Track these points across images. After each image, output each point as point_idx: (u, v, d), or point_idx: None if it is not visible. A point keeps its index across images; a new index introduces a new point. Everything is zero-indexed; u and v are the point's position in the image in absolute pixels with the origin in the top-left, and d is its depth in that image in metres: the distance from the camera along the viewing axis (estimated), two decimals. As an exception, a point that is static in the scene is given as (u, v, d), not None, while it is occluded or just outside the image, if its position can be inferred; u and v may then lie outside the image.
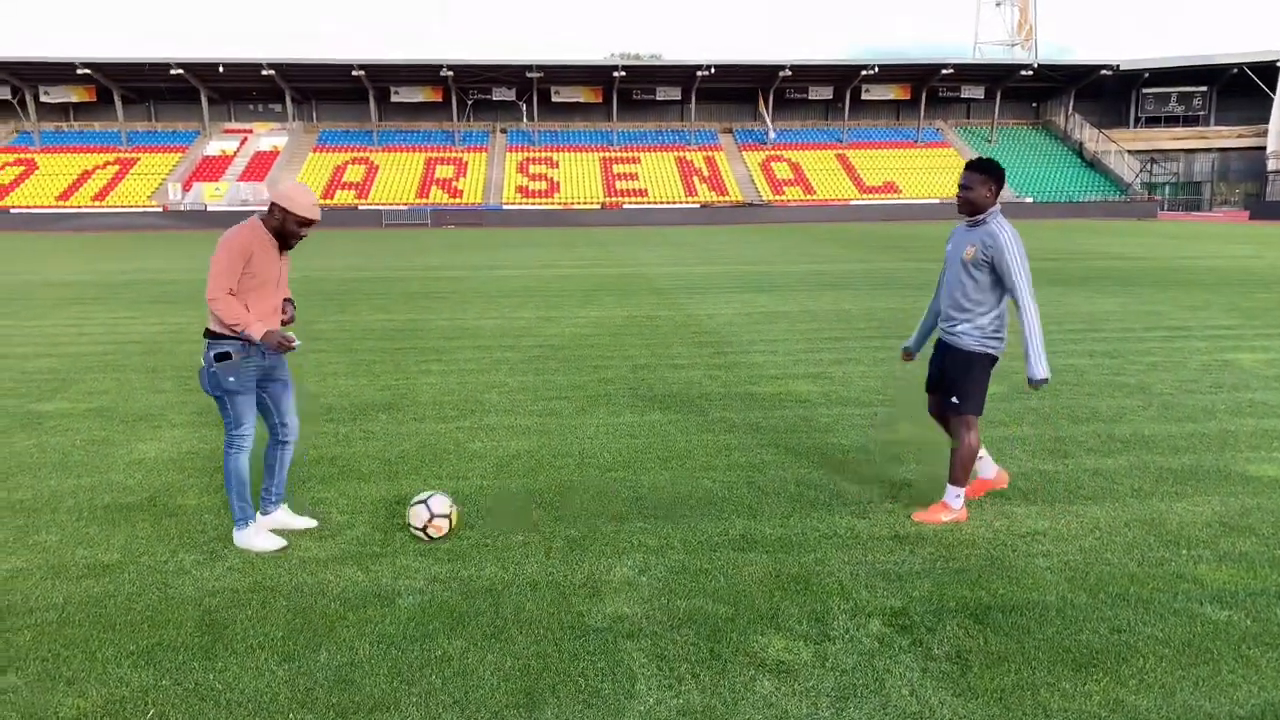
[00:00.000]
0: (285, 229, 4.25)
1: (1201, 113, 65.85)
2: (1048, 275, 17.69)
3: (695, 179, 59.55)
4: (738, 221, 54.00)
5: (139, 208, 53.72)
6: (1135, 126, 66.30)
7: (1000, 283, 4.50)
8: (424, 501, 4.47)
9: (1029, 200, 56.86)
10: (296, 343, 4.20)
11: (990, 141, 65.12)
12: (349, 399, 7.74)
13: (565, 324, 12.17)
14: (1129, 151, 62.18)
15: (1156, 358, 9.22)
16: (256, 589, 3.97)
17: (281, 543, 4.43)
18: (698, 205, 56.52)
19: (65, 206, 53.56)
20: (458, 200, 56.44)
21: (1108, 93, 65.99)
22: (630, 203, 56.81)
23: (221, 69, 57.32)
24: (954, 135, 66.15)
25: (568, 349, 10.17)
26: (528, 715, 3.03)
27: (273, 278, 4.29)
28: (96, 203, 54.04)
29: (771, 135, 63.95)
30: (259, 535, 4.44)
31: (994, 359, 4.63)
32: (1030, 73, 62.29)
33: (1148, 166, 62.14)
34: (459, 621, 3.67)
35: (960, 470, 4.68)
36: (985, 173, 4.52)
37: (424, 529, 4.43)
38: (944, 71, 61.98)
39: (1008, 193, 55.79)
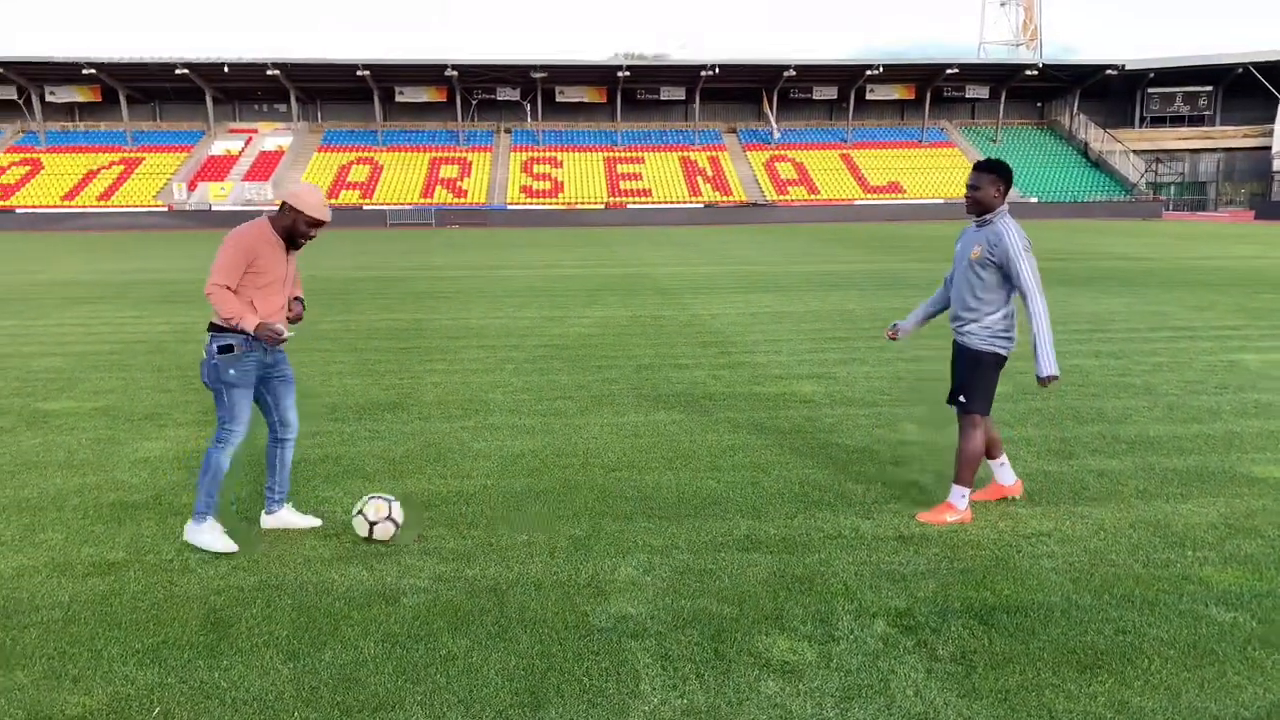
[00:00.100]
0: (295, 229, 4.27)
1: (1207, 112, 65.67)
2: (1053, 275, 17.64)
3: (699, 179, 59.53)
4: (742, 222, 53.96)
5: (144, 207, 53.85)
6: (1140, 126, 66.15)
7: (1008, 282, 4.51)
8: (361, 512, 4.45)
9: (1034, 200, 56.77)
10: (287, 334, 4.18)
11: (995, 141, 65.01)
12: (353, 398, 7.75)
13: (569, 324, 12.17)
14: (1134, 151, 62.04)
15: (1162, 358, 9.20)
16: (261, 587, 3.98)
17: (232, 546, 4.36)
18: (702, 205, 56.50)
19: (71, 206, 53.70)
20: (462, 200, 56.48)
21: (1113, 92, 65.86)
22: (634, 203, 56.81)
23: (227, 69, 57.41)
24: (959, 135, 66.05)
25: (572, 349, 10.17)
26: (532, 715, 3.03)
27: (279, 277, 4.30)
28: (102, 202, 54.17)
29: (776, 135, 63.91)
30: (213, 533, 4.40)
31: (1003, 359, 4.63)
32: (1035, 73, 62.19)
33: (1153, 166, 61.99)
34: (463, 621, 3.67)
35: (966, 470, 4.68)
36: (993, 173, 4.53)
37: (369, 535, 4.43)
38: (949, 71, 61.90)
39: (1012, 193, 55.67)
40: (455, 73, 58.68)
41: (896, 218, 54.70)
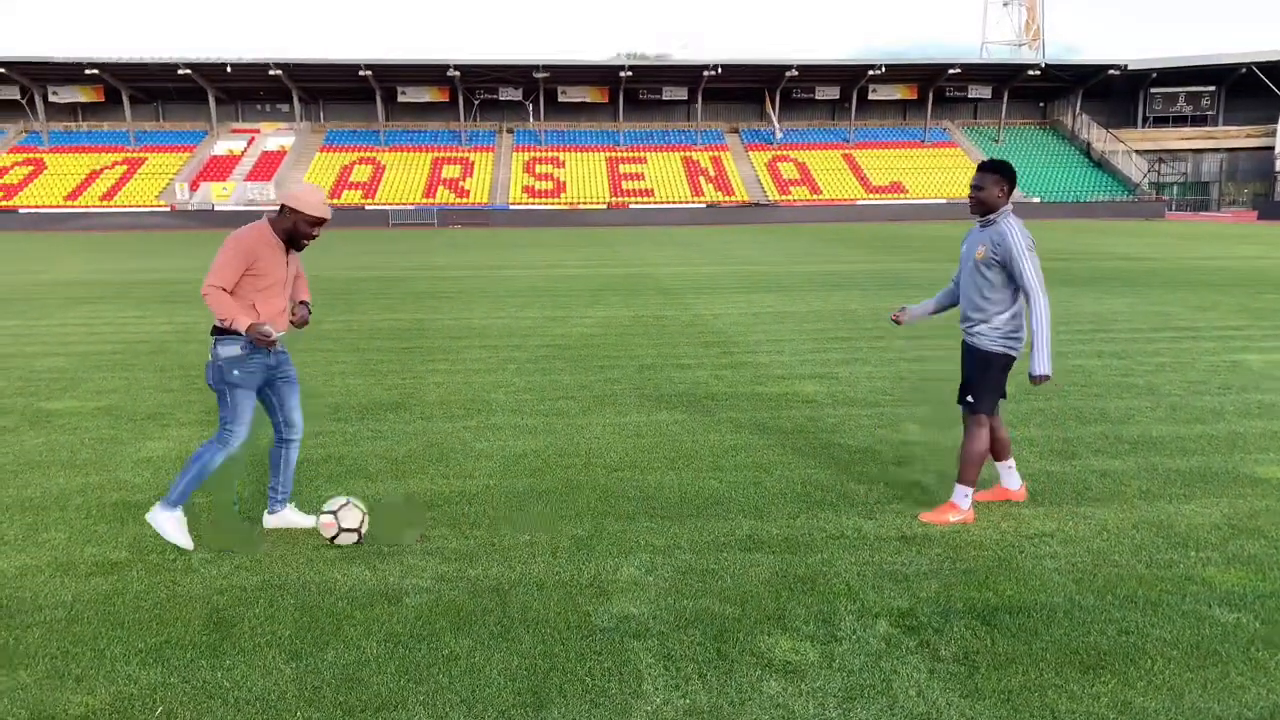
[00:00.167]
0: (297, 230, 4.27)
1: (1210, 112, 65.59)
2: (1056, 276, 17.62)
3: (701, 179, 59.52)
4: (744, 221, 53.95)
5: (147, 207, 53.91)
6: (1143, 126, 66.08)
7: (1014, 282, 4.51)
8: (334, 513, 4.40)
9: (1036, 200, 56.72)
10: (274, 336, 4.16)
11: (997, 141, 64.97)
12: (356, 398, 7.76)
13: (572, 324, 12.18)
14: (1136, 151, 61.96)
15: (1165, 358, 9.19)
16: (264, 587, 3.98)
17: (189, 544, 4.38)
18: (704, 205, 56.50)
19: (73, 206, 53.78)
20: (464, 200, 56.50)
21: (1115, 92, 65.80)
22: (636, 203, 56.81)
23: (229, 69, 57.48)
24: (961, 135, 66.01)
25: (574, 349, 10.17)
26: (534, 714, 3.03)
27: (280, 280, 4.30)
28: (104, 202, 54.24)
29: (778, 135, 63.90)
30: (176, 525, 4.41)
31: (1011, 359, 4.63)
32: (1038, 72, 62.14)
33: (1155, 166, 61.91)
34: (466, 621, 3.67)
35: (970, 469, 4.68)
36: (997, 173, 4.54)
37: (333, 540, 4.39)
38: (951, 71, 61.85)
39: (1015, 193, 55.62)
40: (457, 73, 58.72)
41: (899, 218, 54.66)
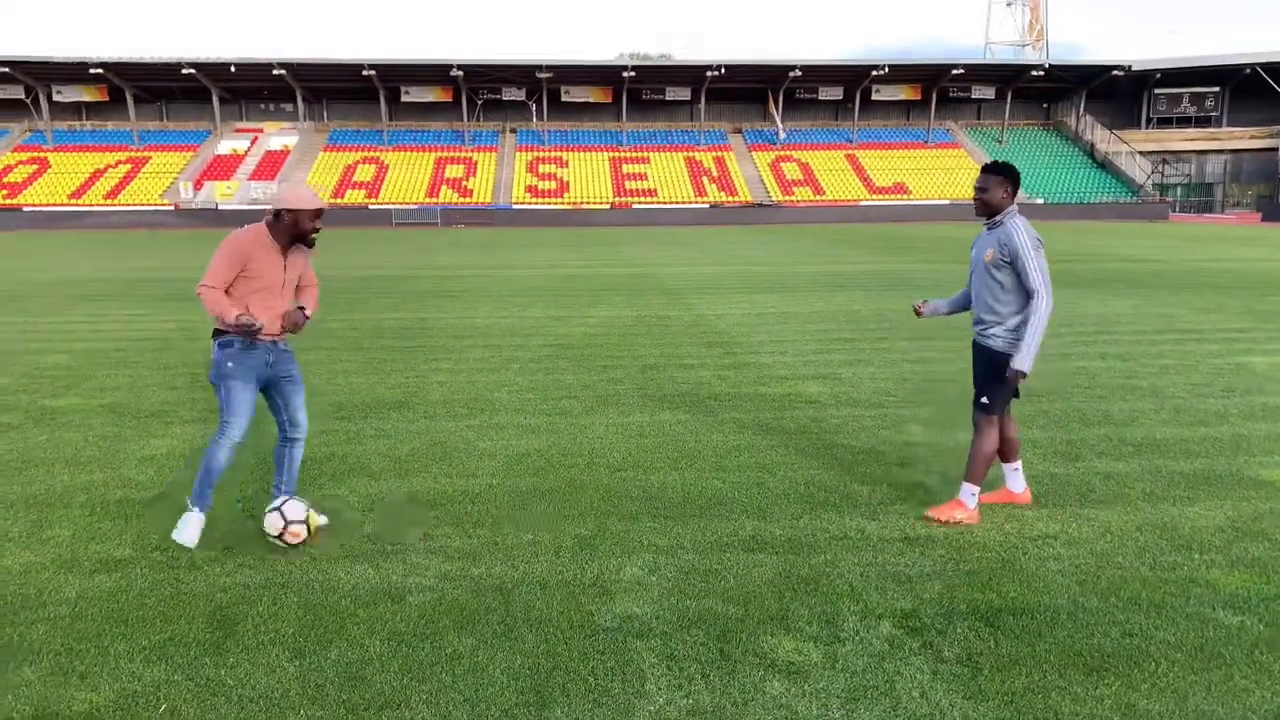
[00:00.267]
0: (300, 228, 4.32)
1: (1214, 113, 65.47)
2: (1060, 277, 17.60)
3: (704, 179, 59.50)
4: (747, 222, 53.92)
5: (151, 206, 53.97)
6: (1147, 127, 65.96)
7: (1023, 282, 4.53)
8: (278, 508, 4.36)
9: (1040, 201, 56.64)
10: (257, 325, 4.18)
11: (1001, 142, 64.89)
12: (359, 397, 7.77)
13: (575, 324, 12.18)
14: (1140, 152, 61.86)
15: (1169, 361, 9.18)
16: (268, 585, 3.99)
17: (187, 543, 4.39)
18: (707, 205, 56.48)
19: (78, 205, 53.85)
20: (467, 200, 56.53)
21: (1119, 93, 65.68)
22: (639, 203, 56.80)
23: (233, 69, 57.54)
24: (964, 136, 65.94)
25: (577, 348, 10.18)
26: (537, 714, 3.03)
27: (275, 282, 4.35)
28: (109, 201, 54.31)
29: (781, 135, 63.86)
30: (190, 524, 4.45)
31: None
32: (1041, 73, 62.05)
33: (1159, 168, 61.80)
34: (469, 620, 3.67)
35: (978, 469, 4.69)
36: (1000, 174, 4.55)
37: (280, 536, 4.33)
38: (954, 72, 61.78)
39: (1019, 194, 55.57)
40: (461, 73, 58.75)
41: (902, 219, 54.59)
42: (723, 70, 59.07)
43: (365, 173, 58.65)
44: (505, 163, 61.30)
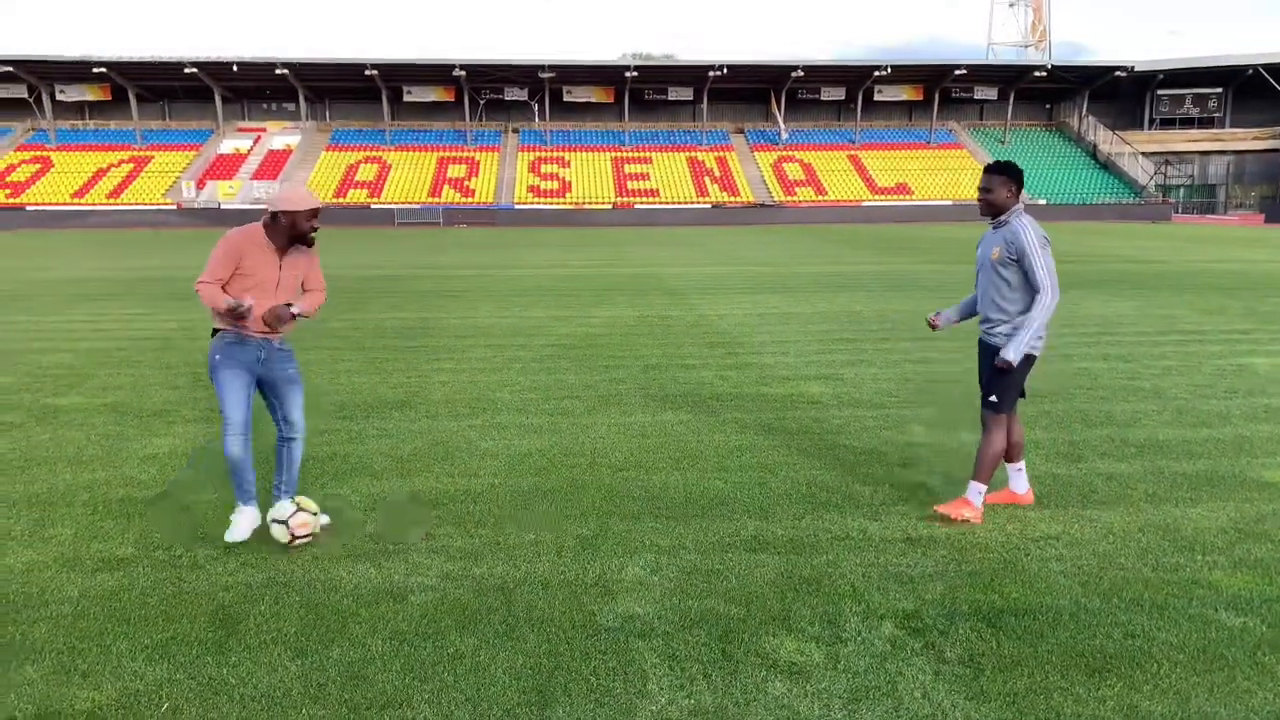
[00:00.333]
0: (298, 228, 4.38)
1: (1217, 114, 65.38)
2: (1063, 278, 17.43)
3: (707, 179, 59.48)
4: (749, 222, 53.91)
5: (153, 205, 53.99)
6: (1150, 128, 65.88)
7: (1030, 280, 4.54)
8: (275, 520, 4.36)
9: (1042, 202, 56.58)
10: (245, 306, 4.25)
11: (1003, 143, 64.83)
12: (362, 396, 7.77)
13: (577, 324, 12.18)
14: (1143, 153, 61.79)
15: (1171, 362, 9.17)
16: (270, 584, 3.99)
17: (238, 537, 4.46)
18: (709, 205, 56.45)
19: (80, 204, 53.89)
20: (470, 200, 56.54)
21: (1122, 94, 65.59)
22: (642, 203, 56.79)
23: (235, 68, 57.57)
24: (967, 136, 65.88)
25: (579, 348, 10.18)
26: (539, 713, 3.03)
27: (268, 281, 4.39)
28: (111, 200, 54.33)
29: (783, 136, 63.83)
30: (238, 518, 4.54)
31: (1033, 359, 4.66)
32: (1044, 74, 61.96)
33: (1162, 169, 61.74)
34: (471, 619, 3.68)
35: (987, 468, 4.70)
36: (1004, 174, 4.57)
37: (292, 542, 4.35)
38: (957, 72, 61.70)
39: (1022, 195, 55.44)
40: (463, 72, 58.75)
41: (904, 219, 54.56)
42: (725, 70, 59.04)
43: (367, 172, 58.67)
44: (507, 163, 61.31)
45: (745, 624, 3.63)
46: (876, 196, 58.14)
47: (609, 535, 4.57)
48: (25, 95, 59.82)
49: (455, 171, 59.35)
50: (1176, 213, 59.20)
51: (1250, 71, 61.19)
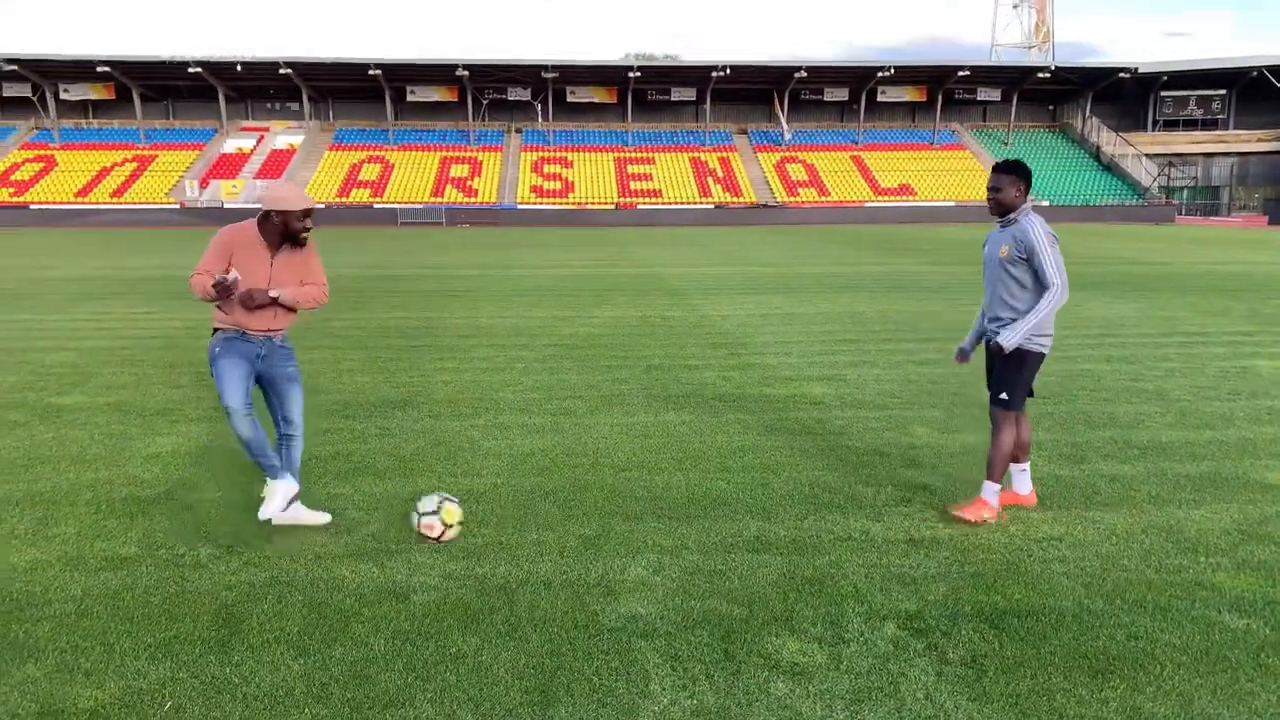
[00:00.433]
0: (290, 227, 4.43)
1: (1220, 116, 65.28)
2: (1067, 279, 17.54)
3: (710, 180, 59.48)
4: (752, 222, 53.91)
5: (156, 204, 54.08)
6: (1153, 130, 65.79)
7: (1039, 278, 4.55)
8: (435, 511, 4.37)
9: (1045, 203, 56.51)
10: (233, 275, 4.29)
11: (1006, 144, 64.77)
12: (364, 396, 7.78)
13: (579, 324, 12.18)
14: (1146, 155, 61.71)
15: (1174, 363, 9.16)
16: (272, 583, 3.99)
17: (267, 514, 4.55)
18: (712, 206, 56.46)
19: (84, 203, 53.98)
20: (473, 199, 56.58)
21: (1125, 95, 65.49)
22: (644, 203, 56.80)
23: (239, 68, 57.65)
24: (970, 138, 65.85)
25: (582, 348, 10.18)
26: (541, 713, 3.03)
27: (260, 278, 4.43)
28: (115, 199, 54.42)
29: (786, 136, 63.81)
30: (270, 493, 4.59)
31: (1042, 356, 4.66)
32: (1047, 75, 61.90)
33: (1165, 170, 61.66)
34: (473, 619, 3.68)
35: (999, 466, 4.71)
36: (1013, 173, 4.59)
37: (439, 536, 4.36)
38: (960, 73, 61.66)
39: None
40: (466, 72, 58.79)
41: (907, 220, 54.54)
42: (728, 71, 59.03)
43: (370, 172, 58.72)
44: (510, 162, 61.34)
45: (748, 624, 3.63)
46: (879, 197, 58.12)
47: (611, 535, 4.57)
48: (29, 94, 59.91)
49: (458, 171, 59.40)
50: (1180, 214, 59.11)
51: (1255, 73, 61.08)
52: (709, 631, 3.57)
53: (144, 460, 5.86)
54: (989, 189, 4.64)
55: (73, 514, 4.87)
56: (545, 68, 59.40)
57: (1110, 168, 62.41)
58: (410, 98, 63.10)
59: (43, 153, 58.72)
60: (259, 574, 4.10)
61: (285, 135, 62.57)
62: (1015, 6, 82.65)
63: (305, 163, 59.50)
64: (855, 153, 63.40)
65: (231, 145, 61.07)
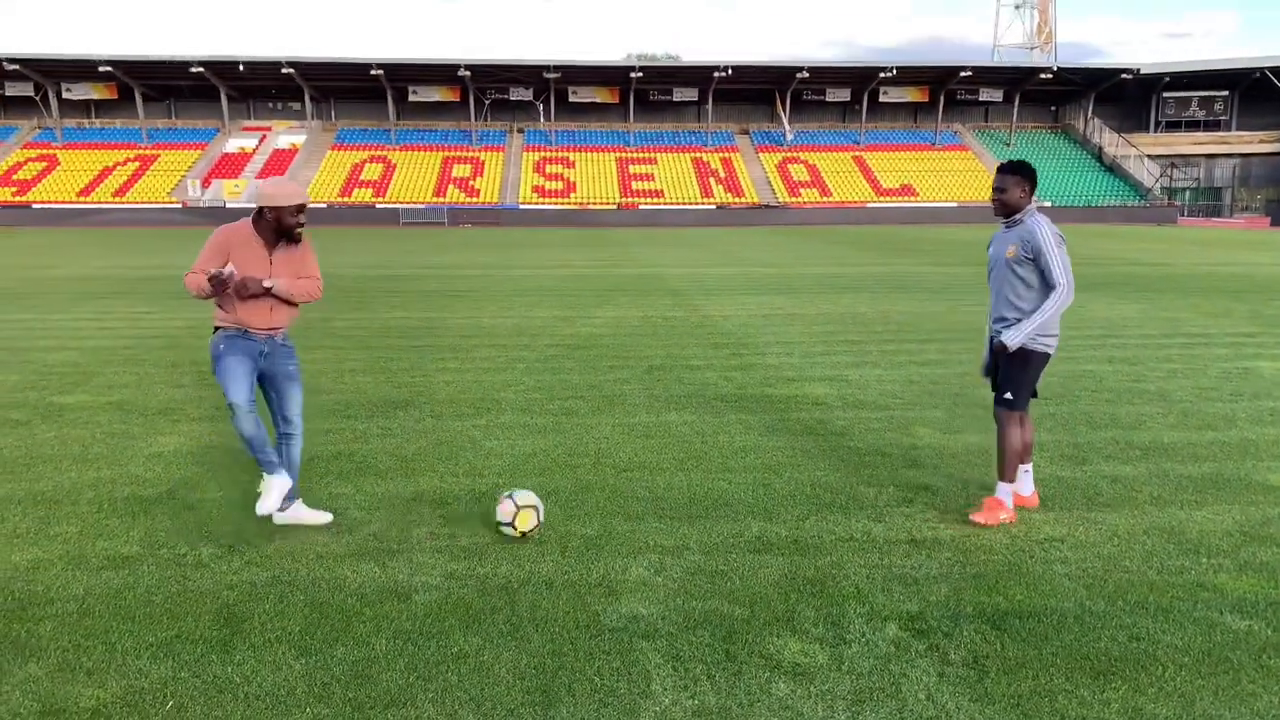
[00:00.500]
0: (284, 223, 4.44)
1: (1223, 117, 65.23)
2: (1066, 280, 17.53)
3: (711, 180, 59.49)
4: (753, 223, 53.91)
5: (159, 204, 54.18)
6: (1155, 131, 65.75)
7: (1045, 278, 4.54)
8: (511, 497, 4.49)
9: (1047, 204, 56.50)
10: (228, 270, 4.30)
11: (1009, 145, 64.74)
12: (366, 395, 7.78)
13: (581, 324, 12.19)
14: (1149, 156, 61.67)
15: (1176, 365, 9.15)
16: (274, 583, 4.00)
17: (265, 510, 4.52)
18: (714, 206, 56.47)
19: (86, 202, 54.06)
20: (474, 199, 56.62)
21: (1128, 96, 65.46)
22: (646, 203, 56.82)
23: (241, 67, 57.72)
24: (972, 138, 65.82)
25: (583, 349, 10.18)
26: (543, 713, 3.03)
27: (260, 274, 4.43)
28: (117, 199, 54.51)
29: (788, 137, 63.81)
30: (265, 489, 4.54)
31: (1048, 356, 4.66)
32: (1049, 76, 61.91)
33: (1168, 171, 61.61)
34: (475, 619, 3.68)
35: (1010, 466, 4.70)
36: (1018, 174, 4.58)
37: (511, 522, 4.43)
38: (962, 74, 61.67)
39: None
40: (468, 72, 58.81)
41: (909, 221, 54.54)
42: (730, 71, 59.04)
43: (372, 172, 58.77)
44: (512, 163, 61.37)
45: (749, 625, 3.63)
46: (881, 198, 58.12)
47: (613, 535, 4.57)
48: (32, 94, 60.02)
49: (460, 171, 59.43)
50: (1182, 215, 59.07)
51: (1257, 74, 61.03)
52: (710, 632, 3.57)
53: (146, 459, 5.87)
54: (994, 189, 4.64)
55: (74, 513, 4.88)
56: (547, 68, 59.43)
57: (1112, 169, 62.37)
58: (412, 98, 63.14)
59: (45, 152, 58.80)
60: (261, 573, 4.10)
61: (287, 135, 62.63)
62: (1017, 7, 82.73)
63: (307, 162, 59.54)
64: (857, 153, 63.40)
65: (234, 145, 61.13)
